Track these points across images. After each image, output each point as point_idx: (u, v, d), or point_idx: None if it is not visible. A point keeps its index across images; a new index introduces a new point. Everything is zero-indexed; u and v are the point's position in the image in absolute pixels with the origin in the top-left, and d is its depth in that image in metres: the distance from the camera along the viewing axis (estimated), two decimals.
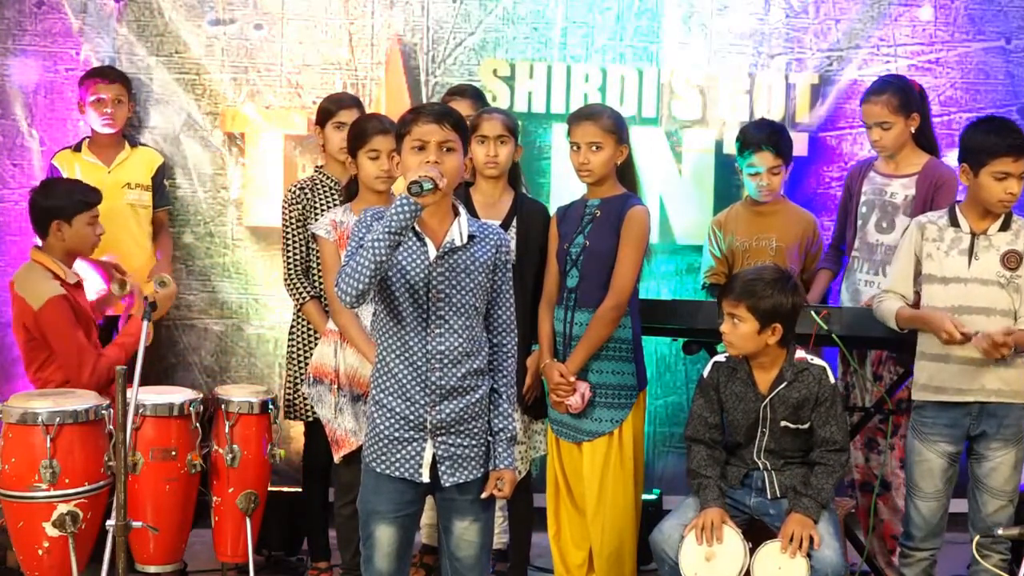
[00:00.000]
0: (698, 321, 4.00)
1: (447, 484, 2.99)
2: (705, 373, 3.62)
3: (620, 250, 3.71)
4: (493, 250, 3.03)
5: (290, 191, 4.20)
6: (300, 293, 4.12)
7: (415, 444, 2.97)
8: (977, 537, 3.51)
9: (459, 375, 2.96)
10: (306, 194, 4.17)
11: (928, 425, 3.61)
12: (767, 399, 3.50)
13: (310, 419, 4.14)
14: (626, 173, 3.83)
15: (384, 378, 2.99)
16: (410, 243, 2.94)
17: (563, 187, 4.78)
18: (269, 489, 4.08)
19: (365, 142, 3.89)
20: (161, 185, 4.77)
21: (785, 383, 3.49)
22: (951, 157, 4.06)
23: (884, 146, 4.23)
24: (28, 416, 3.62)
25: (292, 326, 4.24)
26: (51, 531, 3.60)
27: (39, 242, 4.16)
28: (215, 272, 5.00)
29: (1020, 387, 3.53)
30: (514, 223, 3.93)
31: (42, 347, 4.01)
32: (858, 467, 4.39)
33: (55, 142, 4.89)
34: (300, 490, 4.35)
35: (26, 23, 4.90)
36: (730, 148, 4.83)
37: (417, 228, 2.94)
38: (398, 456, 2.97)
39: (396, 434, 2.97)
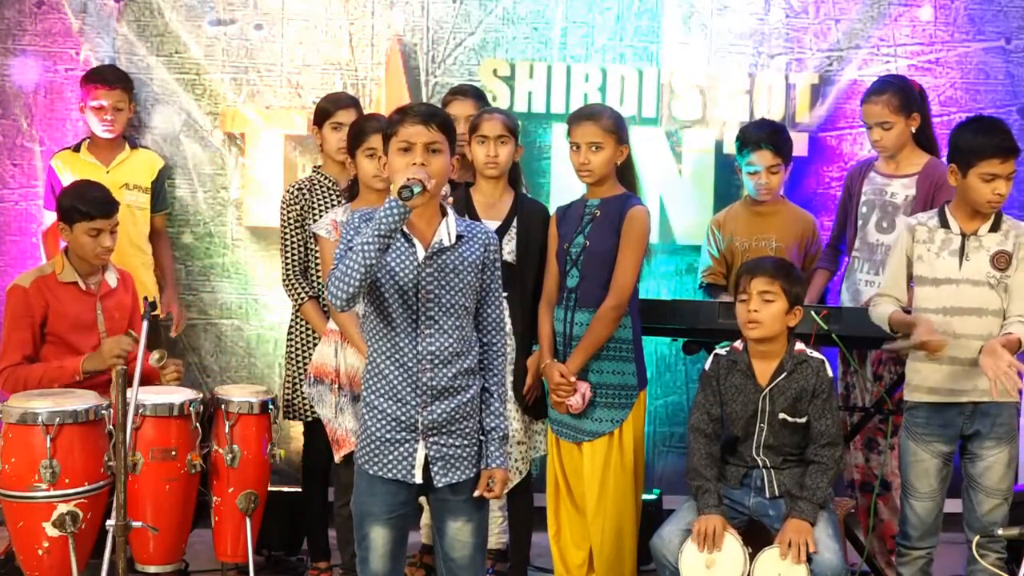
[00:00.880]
0: (698, 321, 4.00)
1: (440, 484, 2.99)
2: (706, 366, 3.64)
3: (620, 250, 3.72)
4: (481, 249, 3.03)
5: (288, 191, 4.21)
6: (298, 293, 4.12)
7: (407, 445, 2.97)
8: (977, 537, 3.50)
9: (450, 375, 2.96)
10: (304, 194, 4.17)
11: (922, 426, 3.61)
12: (766, 390, 3.50)
13: (310, 419, 4.15)
14: (626, 173, 3.83)
15: (374, 380, 2.99)
16: (399, 244, 2.95)
17: (563, 187, 4.78)
18: (269, 489, 4.07)
19: (363, 141, 3.89)
20: (162, 189, 4.77)
21: (785, 374, 3.50)
22: None
23: (885, 146, 4.23)
24: (28, 416, 3.61)
25: (291, 326, 4.25)
26: (51, 531, 3.60)
27: None
28: (215, 272, 5.00)
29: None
30: (514, 223, 3.93)
31: None
32: (858, 467, 4.39)
33: (55, 142, 4.89)
34: (300, 490, 4.35)
35: (26, 23, 4.90)
36: (730, 148, 4.82)
37: (405, 229, 2.94)
38: (390, 457, 2.97)
39: (388, 435, 2.97)
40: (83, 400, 3.74)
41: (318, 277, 4.10)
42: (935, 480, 3.60)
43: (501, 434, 3.07)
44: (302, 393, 4.11)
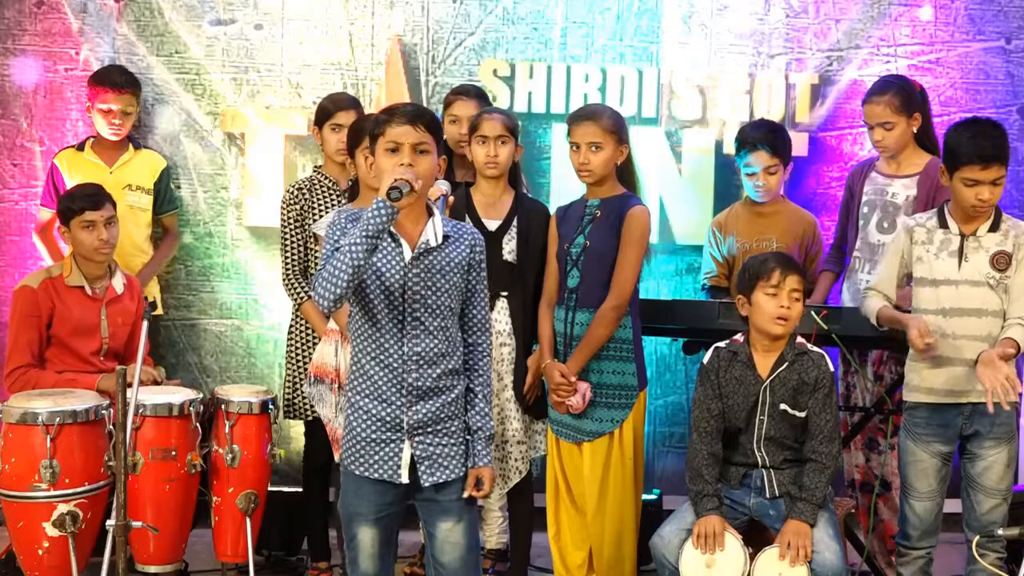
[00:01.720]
0: (698, 321, 4.00)
1: (427, 484, 2.99)
2: (705, 360, 3.62)
3: (620, 250, 3.72)
4: (467, 250, 3.03)
5: (288, 191, 4.21)
6: (298, 293, 4.12)
7: (392, 445, 2.97)
8: (977, 537, 3.50)
9: (435, 375, 2.97)
10: (304, 194, 4.17)
11: (921, 426, 3.61)
12: (767, 381, 3.50)
13: (310, 418, 4.15)
14: (626, 173, 3.83)
15: (359, 380, 2.99)
16: (385, 244, 2.94)
17: (563, 187, 4.78)
18: (269, 489, 4.07)
19: (363, 140, 3.89)
20: (166, 189, 4.77)
21: (786, 364, 3.50)
22: None
23: (886, 146, 4.23)
24: (28, 416, 3.62)
25: (291, 326, 4.25)
26: (51, 531, 3.60)
27: None
28: (215, 272, 5.00)
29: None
30: (514, 223, 3.93)
31: None
32: (859, 467, 4.39)
33: (55, 142, 4.89)
34: (300, 490, 4.35)
35: (26, 23, 4.90)
36: (730, 148, 4.82)
37: (392, 229, 2.94)
38: (376, 458, 2.97)
39: (373, 435, 2.97)
40: (83, 400, 3.74)
41: None
42: (934, 480, 3.60)
43: (487, 434, 3.07)
44: (302, 392, 4.11)
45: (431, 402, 2.97)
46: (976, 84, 5.06)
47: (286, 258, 4.15)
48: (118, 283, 4.23)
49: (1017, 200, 5.06)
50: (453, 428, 3.02)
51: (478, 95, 4.38)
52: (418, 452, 2.97)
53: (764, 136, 4.32)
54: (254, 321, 5.02)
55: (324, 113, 4.26)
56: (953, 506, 3.73)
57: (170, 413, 3.86)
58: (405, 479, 2.98)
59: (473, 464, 3.04)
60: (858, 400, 4.39)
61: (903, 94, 4.19)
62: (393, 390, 2.95)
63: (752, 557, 3.39)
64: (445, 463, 3.00)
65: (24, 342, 4.08)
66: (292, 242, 4.15)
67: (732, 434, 3.61)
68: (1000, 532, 3.49)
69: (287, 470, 4.67)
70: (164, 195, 4.76)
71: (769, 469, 3.55)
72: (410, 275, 2.94)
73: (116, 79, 4.64)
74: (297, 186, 4.21)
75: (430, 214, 3.00)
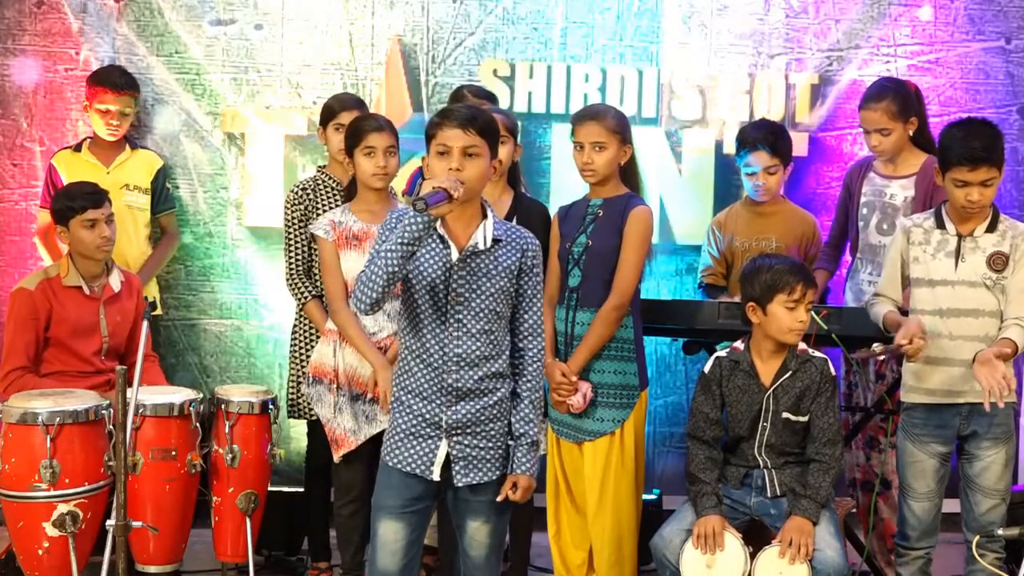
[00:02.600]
0: (698, 321, 3.99)
1: (460, 484, 2.98)
2: (706, 369, 3.62)
3: (622, 250, 3.71)
4: (519, 254, 3.01)
5: (292, 191, 4.20)
6: (302, 293, 4.12)
7: (430, 442, 2.97)
8: (977, 538, 3.50)
9: (476, 378, 2.96)
10: (308, 194, 4.17)
11: (919, 426, 3.61)
12: (770, 389, 3.50)
13: (313, 418, 4.14)
14: (629, 173, 3.83)
15: (403, 377, 3.00)
16: (433, 245, 2.94)
17: (563, 187, 4.78)
18: (269, 489, 4.08)
19: (361, 139, 3.89)
20: (163, 189, 4.76)
21: (789, 372, 3.50)
22: None
23: (883, 151, 4.23)
24: (28, 416, 3.62)
25: (294, 326, 4.24)
26: (51, 531, 3.60)
27: None
28: (215, 272, 5.00)
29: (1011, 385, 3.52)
30: (514, 222, 3.92)
31: None
32: (859, 466, 4.40)
33: (55, 142, 4.89)
34: (300, 490, 4.35)
35: (26, 23, 4.90)
36: (730, 148, 4.83)
37: (440, 230, 2.93)
38: (411, 452, 2.97)
39: (412, 430, 2.97)
40: (83, 400, 3.74)
41: (321, 277, 4.10)
42: (933, 481, 3.60)
43: (530, 440, 3.04)
44: (302, 392, 4.11)
45: (471, 403, 2.96)
46: (976, 84, 5.06)
47: (290, 258, 4.15)
48: (115, 281, 4.22)
49: (1017, 200, 5.06)
50: (493, 431, 3.01)
51: (486, 96, 4.39)
52: (455, 452, 2.97)
53: (764, 136, 4.32)
54: (254, 321, 5.01)
55: (329, 113, 4.26)
56: (952, 506, 3.73)
57: (170, 413, 3.86)
58: (437, 476, 2.97)
59: (511, 470, 3.03)
60: (860, 400, 4.39)
61: (899, 100, 4.18)
62: (433, 389, 2.95)
63: (752, 556, 3.39)
64: (480, 465, 3.00)
65: (20, 345, 4.07)
66: (296, 242, 4.14)
67: (734, 440, 3.61)
68: (1000, 532, 3.49)
69: (287, 470, 4.67)
70: (161, 194, 4.75)
71: (770, 469, 3.55)
72: (454, 276, 2.93)
73: (116, 80, 4.64)
74: (301, 186, 4.21)
75: (484, 216, 2.99)
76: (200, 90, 4.95)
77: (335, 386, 3.89)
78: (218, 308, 5.01)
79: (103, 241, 4.10)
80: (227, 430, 3.92)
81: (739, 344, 3.60)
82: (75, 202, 4.09)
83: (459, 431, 2.96)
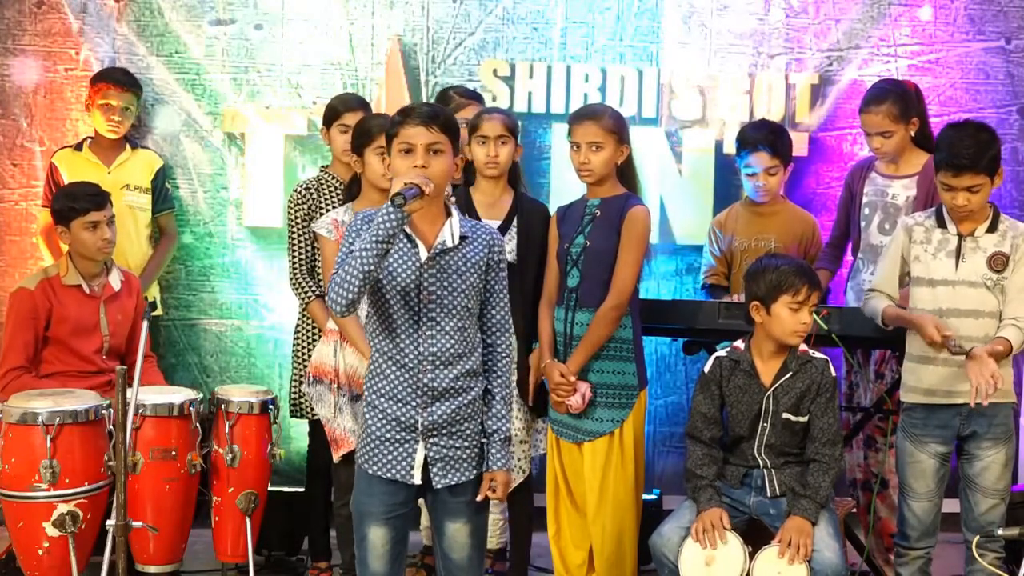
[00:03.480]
0: (698, 321, 4.00)
1: (439, 486, 2.98)
2: (706, 369, 3.62)
3: (620, 250, 3.71)
4: (486, 250, 3.02)
5: (296, 191, 4.20)
6: (305, 292, 4.11)
7: (407, 445, 2.96)
8: (977, 538, 3.50)
9: (451, 376, 2.96)
10: (312, 194, 4.17)
11: (918, 427, 3.61)
12: (770, 389, 3.50)
13: (316, 418, 4.14)
14: (627, 173, 3.83)
15: (376, 380, 2.99)
16: (401, 245, 2.94)
17: (563, 187, 4.78)
18: (269, 489, 4.08)
19: (372, 139, 3.88)
20: (162, 188, 4.77)
21: (790, 373, 3.50)
22: None
23: (885, 153, 4.23)
24: (28, 416, 3.62)
25: (298, 325, 4.24)
26: (51, 531, 3.60)
27: None
28: (215, 272, 5.00)
29: (1008, 386, 3.52)
30: (514, 223, 3.93)
31: None
32: (860, 466, 4.40)
33: (55, 142, 4.89)
34: (300, 490, 4.35)
35: (26, 23, 4.90)
36: (730, 148, 4.83)
37: (408, 230, 2.93)
38: (389, 457, 2.97)
39: (388, 435, 2.96)
40: (83, 400, 3.75)
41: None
42: (932, 481, 3.60)
43: (503, 436, 3.05)
44: (302, 392, 4.11)
45: (447, 403, 2.96)
46: (976, 84, 5.06)
47: (293, 258, 4.14)
48: (115, 280, 4.23)
49: (1017, 200, 5.06)
50: (469, 430, 3.01)
51: (476, 97, 4.38)
52: (431, 454, 2.97)
53: (765, 137, 4.32)
54: (254, 321, 5.01)
55: (333, 113, 4.25)
56: (952, 506, 3.73)
57: (170, 413, 3.86)
58: (418, 480, 2.97)
59: (487, 468, 3.04)
60: (860, 399, 4.39)
61: (901, 102, 4.17)
62: (409, 390, 2.95)
63: (751, 556, 3.39)
64: (458, 465, 3.00)
65: (19, 345, 4.07)
66: (299, 242, 4.14)
67: (734, 440, 3.61)
68: (1000, 532, 3.48)
69: (287, 470, 4.67)
70: (160, 194, 4.75)
71: (770, 469, 3.55)
72: (425, 275, 2.94)
73: (119, 76, 4.67)
74: (305, 186, 4.21)
75: (448, 214, 2.99)
76: (200, 90, 4.95)
77: (335, 386, 3.89)
78: (218, 308, 5.01)
79: (104, 243, 4.11)
80: (227, 430, 3.92)
81: (740, 344, 3.60)
82: (77, 203, 4.09)
83: (435, 432, 2.96)
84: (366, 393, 3.02)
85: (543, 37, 5.01)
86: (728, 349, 3.61)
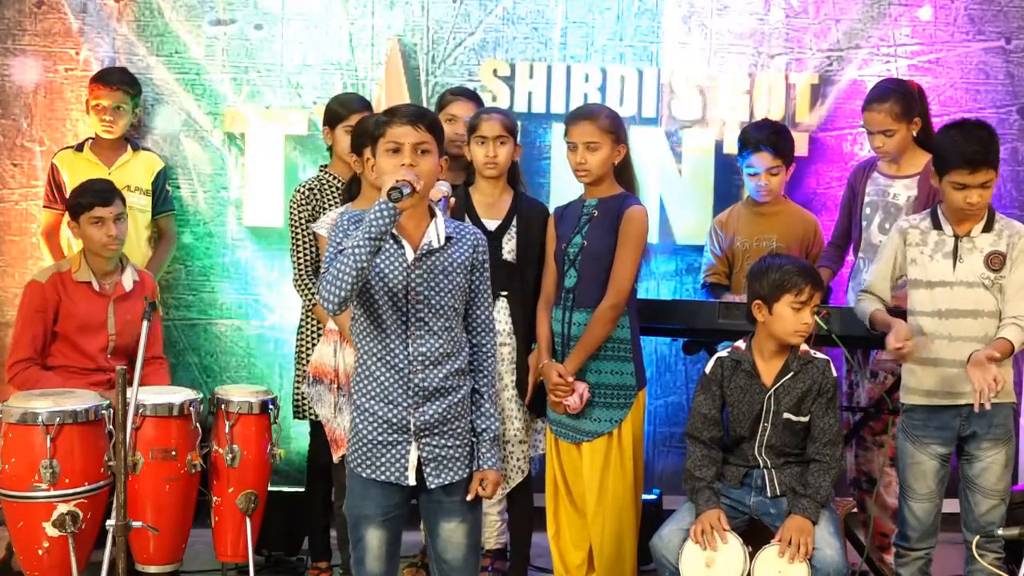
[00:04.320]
0: (698, 321, 4.00)
1: (433, 486, 2.98)
2: (707, 369, 3.62)
3: (618, 250, 3.71)
4: (470, 250, 3.03)
5: (298, 192, 4.19)
6: (310, 293, 4.11)
7: (399, 447, 2.96)
8: (977, 538, 3.50)
9: (440, 376, 2.96)
10: (315, 195, 4.17)
11: (919, 428, 3.61)
12: (771, 390, 3.50)
13: (317, 418, 4.14)
14: (624, 173, 3.82)
15: (365, 382, 2.98)
16: (387, 247, 2.93)
17: (563, 187, 4.78)
18: (269, 489, 4.08)
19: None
20: (162, 190, 4.76)
21: (791, 373, 3.50)
22: None
23: (887, 152, 4.23)
24: (28, 416, 3.62)
25: (300, 326, 4.24)
26: (51, 531, 3.60)
27: None
28: (215, 272, 5.00)
29: (1008, 386, 3.52)
30: (514, 223, 3.93)
31: None
32: (854, 465, 4.40)
33: (55, 142, 4.89)
34: (300, 490, 4.35)
35: (26, 23, 4.90)
36: (730, 148, 4.83)
37: (394, 231, 2.93)
38: (383, 460, 2.97)
39: (380, 438, 2.96)
40: (83, 400, 3.75)
41: None
42: (933, 481, 3.60)
43: (492, 435, 3.06)
44: (302, 393, 4.11)
45: (437, 403, 2.97)
46: (976, 84, 5.06)
47: (297, 259, 4.14)
48: (128, 280, 4.25)
49: (1017, 200, 5.06)
50: (459, 429, 3.02)
51: (475, 97, 4.38)
52: (424, 454, 2.97)
53: (767, 137, 4.32)
54: (254, 321, 5.01)
55: (336, 115, 4.23)
56: (952, 506, 3.73)
57: (170, 413, 3.86)
58: (412, 481, 2.98)
59: (478, 467, 3.04)
60: (860, 399, 4.39)
61: (903, 101, 4.18)
62: (399, 391, 2.95)
63: (752, 556, 3.39)
64: (451, 464, 3.00)
65: (28, 336, 4.13)
66: (303, 243, 4.13)
67: (734, 440, 3.61)
68: (1000, 532, 3.48)
69: (287, 470, 4.67)
70: (160, 195, 4.75)
71: (770, 469, 3.55)
72: (413, 276, 2.94)
73: (110, 77, 4.66)
74: (308, 186, 4.20)
75: (432, 215, 3.00)
76: (200, 90, 4.95)
77: (335, 386, 3.89)
78: (218, 308, 5.01)
79: (109, 239, 4.13)
80: (227, 430, 3.92)
81: (741, 344, 3.60)
82: (84, 198, 4.15)
83: (427, 432, 2.96)
84: (354, 396, 3.01)
85: (543, 37, 5.01)
86: (729, 349, 3.61)
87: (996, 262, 3.51)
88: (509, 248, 3.92)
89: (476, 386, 3.07)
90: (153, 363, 4.27)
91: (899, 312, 3.65)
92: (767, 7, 5.02)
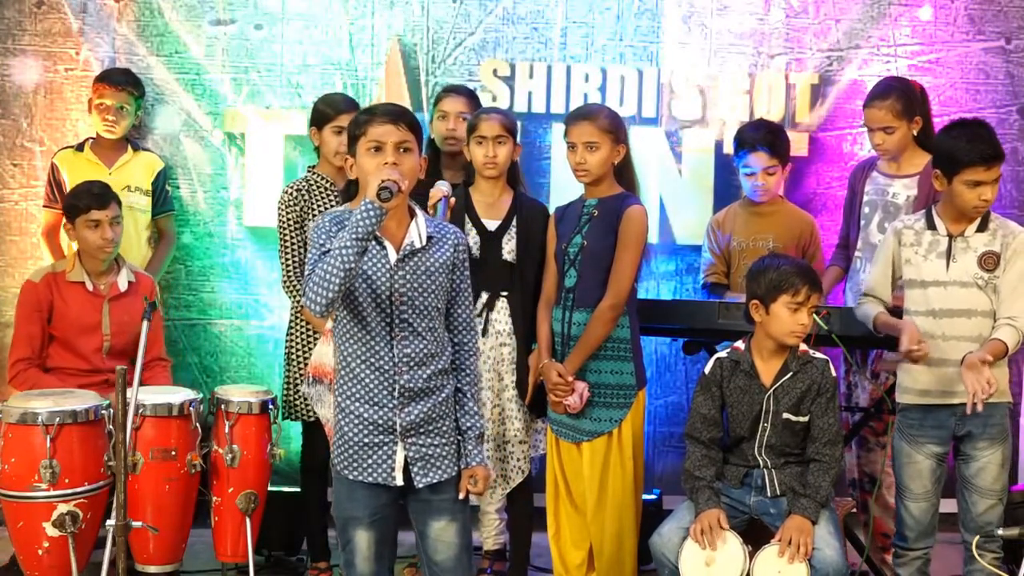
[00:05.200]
0: (698, 321, 4.00)
1: (421, 485, 2.98)
2: (707, 370, 3.62)
3: (618, 250, 3.71)
4: (451, 250, 3.02)
5: (286, 192, 4.19)
6: (299, 294, 4.12)
7: (386, 448, 2.96)
8: (977, 538, 3.50)
9: (425, 376, 2.96)
10: (303, 195, 4.17)
11: (915, 427, 3.61)
12: (771, 390, 3.50)
13: (310, 419, 4.14)
14: (624, 173, 3.82)
15: (350, 384, 2.98)
16: (370, 248, 2.91)
17: (563, 187, 4.78)
18: (269, 489, 4.08)
19: None
20: (162, 190, 4.76)
21: (790, 373, 3.50)
22: None
23: (887, 149, 4.23)
24: (28, 416, 3.62)
25: (290, 326, 4.24)
26: (51, 531, 3.60)
27: None
28: (215, 272, 5.00)
29: (1004, 386, 3.53)
30: (513, 223, 3.93)
31: None
32: (854, 466, 4.40)
33: (55, 142, 4.89)
34: (300, 490, 4.35)
35: (26, 23, 4.90)
36: (730, 148, 4.82)
37: (376, 232, 2.91)
38: (370, 461, 2.97)
39: (366, 439, 2.96)
40: (83, 400, 3.75)
41: None
42: (929, 481, 3.60)
43: (477, 432, 3.07)
44: (302, 393, 4.11)
45: (422, 403, 2.97)
46: (976, 84, 5.06)
47: (286, 259, 4.14)
48: (123, 280, 4.24)
49: (1017, 200, 5.06)
50: (444, 428, 3.02)
51: (468, 93, 4.38)
52: (411, 453, 2.97)
53: (763, 137, 4.33)
54: (254, 321, 5.01)
55: (323, 116, 4.24)
56: (950, 506, 3.73)
57: (170, 413, 3.86)
58: (400, 481, 2.98)
59: (466, 464, 3.05)
60: (859, 400, 4.39)
61: (904, 98, 4.18)
62: (384, 393, 2.94)
63: (751, 555, 3.39)
64: (438, 463, 3.00)
65: (24, 336, 4.15)
66: (292, 243, 4.14)
67: (734, 440, 3.61)
68: (1000, 532, 3.49)
69: (287, 470, 4.67)
70: (160, 196, 4.75)
71: (770, 469, 3.56)
72: (396, 277, 2.93)
73: (115, 76, 4.66)
74: (296, 187, 4.20)
75: (412, 215, 2.99)
76: (200, 90, 4.95)
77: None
78: (218, 308, 5.01)
79: (104, 242, 4.13)
80: (227, 430, 3.92)
81: (740, 344, 3.60)
82: (80, 200, 4.15)
83: (413, 432, 2.97)
84: (338, 398, 3.01)
85: (543, 37, 5.01)
86: (728, 350, 3.61)
87: (990, 262, 3.52)
88: (509, 248, 3.92)
89: (459, 385, 3.07)
90: (155, 364, 4.27)
91: (899, 312, 3.65)
92: (767, 7, 5.02)
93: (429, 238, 2.98)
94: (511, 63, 4.99)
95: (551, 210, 4.03)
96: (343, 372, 2.99)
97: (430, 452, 2.99)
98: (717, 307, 3.96)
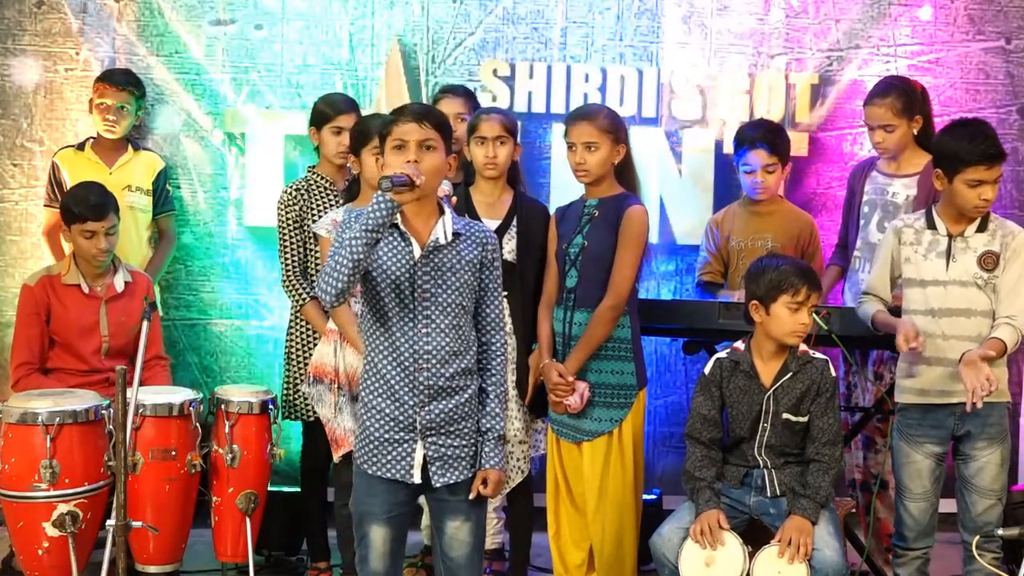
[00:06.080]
0: (698, 321, 4.00)
1: (438, 484, 3.00)
2: (706, 370, 3.62)
3: (618, 250, 3.71)
4: (479, 248, 3.04)
5: (286, 192, 4.20)
6: (299, 294, 4.12)
7: (405, 445, 2.98)
8: (977, 538, 3.50)
9: (447, 375, 2.97)
10: (302, 195, 4.17)
11: (913, 427, 3.61)
12: (771, 390, 3.50)
13: (310, 419, 4.15)
14: (625, 173, 3.82)
15: (372, 379, 3.00)
16: (395, 242, 2.95)
17: (563, 187, 4.77)
18: (269, 489, 4.08)
19: (369, 140, 3.88)
20: (163, 190, 4.77)
21: (790, 374, 3.50)
22: None
23: (886, 148, 4.23)
24: (28, 416, 3.62)
25: (290, 326, 4.25)
26: (51, 531, 3.60)
27: None
28: (215, 272, 5.00)
29: (1003, 385, 3.53)
30: (514, 223, 3.93)
31: None
32: (859, 467, 4.40)
33: (55, 142, 4.89)
34: (300, 490, 4.35)
35: (26, 23, 4.90)
36: (730, 148, 4.82)
37: (402, 228, 2.95)
38: (389, 457, 2.98)
39: (386, 435, 2.98)
40: (83, 400, 3.75)
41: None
42: (928, 481, 3.60)
43: (497, 435, 3.07)
44: (302, 393, 4.11)
45: (444, 402, 2.97)
46: (976, 84, 5.06)
47: (286, 259, 4.15)
48: (119, 281, 4.24)
49: (1017, 200, 5.06)
50: (465, 429, 3.03)
51: (465, 93, 4.38)
52: (430, 453, 2.98)
53: (763, 135, 4.33)
54: (254, 321, 5.01)
55: (323, 116, 4.25)
56: (949, 506, 3.73)
57: (170, 413, 3.86)
58: (417, 479, 2.99)
59: (480, 466, 3.05)
60: (859, 400, 4.39)
61: (905, 97, 4.18)
62: (406, 389, 2.96)
63: (751, 555, 3.39)
64: (456, 464, 3.01)
65: (24, 339, 4.15)
66: (291, 243, 4.15)
67: (734, 441, 3.61)
68: (1000, 532, 3.48)
69: (287, 470, 4.67)
70: (161, 196, 4.75)
71: (770, 469, 3.56)
72: (419, 273, 2.95)
73: (117, 77, 4.67)
74: (295, 187, 4.21)
75: (441, 212, 3.01)
76: (200, 90, 4.95)
77: (335, 386, 3.89)
78: (218, 308, 5.01)
79: (98, 252, 4.13)
80: (227, 430, 3.92)
81: (740, 344, 3.60)
82: (77, 208, 4.11)
83: (433, 431, 2.98)
84: (362, 393, 3.03)
85: (543, 37, 5.01)
86: (728, 350, 3.61)
87: (989, 262, 3.52)
88: (509, 248, 3.92)
89: (484, 385, 3.08)
90: (155, 364, 4.27)
91: (900, 312, 3.66)
92: (767, 7, 5.02)
93: (456, 235, 3.00)
94: (511, 63, 4.99)
95: (551, 210, 4.03)
96: (367, 367, 3.02)
97: (449, 453, 3.00)
98: (717, 307, 3.96)
